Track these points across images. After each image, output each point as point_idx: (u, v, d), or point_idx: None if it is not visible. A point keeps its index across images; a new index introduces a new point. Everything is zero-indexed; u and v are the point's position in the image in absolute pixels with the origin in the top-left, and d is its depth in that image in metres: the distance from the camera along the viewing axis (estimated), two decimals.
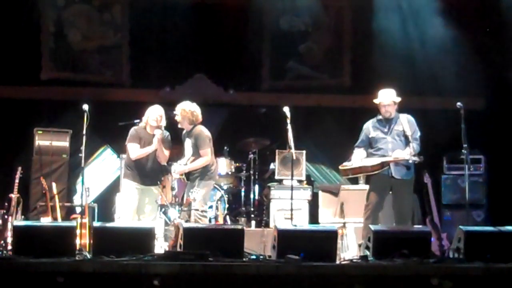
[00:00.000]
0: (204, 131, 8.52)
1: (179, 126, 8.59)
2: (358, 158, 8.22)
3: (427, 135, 10.10)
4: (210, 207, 9.74)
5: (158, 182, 8.56)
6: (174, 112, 8.56)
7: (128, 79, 11.47)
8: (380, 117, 8.32)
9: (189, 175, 8.47)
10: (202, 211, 8.32)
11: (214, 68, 11.43)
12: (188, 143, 8.53)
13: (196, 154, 8.44)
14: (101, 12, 11.41)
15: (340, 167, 8.37)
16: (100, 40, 11.42)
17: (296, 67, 11.72)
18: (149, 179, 8.44)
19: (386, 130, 8.26)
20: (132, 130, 8.47)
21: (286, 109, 8.18)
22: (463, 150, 8.20)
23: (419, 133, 8.33)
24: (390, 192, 8.31)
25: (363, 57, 11.42)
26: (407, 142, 8.19)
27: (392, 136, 8.23)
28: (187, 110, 8.48)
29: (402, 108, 8.47)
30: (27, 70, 11.03)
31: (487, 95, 11.00)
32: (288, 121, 8.14)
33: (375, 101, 8.33)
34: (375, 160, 8.15)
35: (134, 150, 8.38)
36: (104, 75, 11.48)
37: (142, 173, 8.40)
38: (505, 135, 10.57)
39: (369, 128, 8.34)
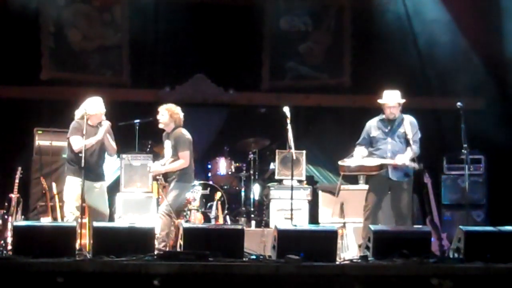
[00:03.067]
0: (185, 134, 8.49)
1: (162, 126, 8.50)
2: (359, 155, 8.22)
3: (427, 135, 10.09)
4: (210, 207, 9.76)
5: (104, 178, 8.43)
6: (158, 116, 8.48)
7: (128, 79, 11.47)
8: (383, 117, 8.33)
9: (166, 177, 8.41)
10: (166, 209, 8.30)
11: (214, 68, 11.43)
12: (168, 144, 8.49)
13: (175, 155, 8.40)
14: (101, 12, 11.41)
15: (339, 162, 8.36)
16: (100, 40, 11.42)
17: (296, 67, 11.72)
18: (93, 174, 8.25)
19: (387, 130, 8.28)
20: (75, 123, 8.24)
21: (286, 109, 8.18)
22: (463, 150, 8.20)
23: (419, 135, 8.34)
24: (389, 192, 8.31)
25: (363, 57, 11.43)
26: (407, 144, 8.20)
27: (393, 138, 8.25)
28: (176, 112, 8.47)
29: (402, 109, 8.46)
30: (27, 70, 11.03)
31: (487, 95, 11.00)
32: (288, 121, 8.14)
33: (380, 101, 8.33)
34: (374, 161, 8.15)
35: (77, 142, 8.13)
36: (104, 75, 11.48)
37: (86, 168, 8.10)
38: (505, 135, 10.57)
39: (371, 127, 8.36)
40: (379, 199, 8.22)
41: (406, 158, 8.12)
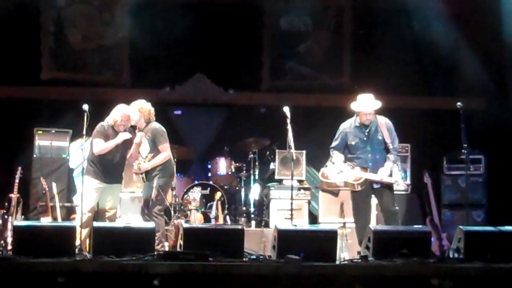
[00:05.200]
0: (161, 127, 8.43)
1: (133, 123, 8.41)
2: (339, 161, 8.07)
3: (427, 135, 10.13)
4: (210, 207, 9.76)
5: (121, 181, 8.55)
6: (129, 112, 8.41)
7: (128, 79, 11.48)
8: (358, 122, 8.14)
9: (147, 174, 8.34)
10: (159, 210, 8.28)
11: (214, 68, 11.44)
12: (143, 141, 8.39)
13: (155, 150, 8.31)
14: (101, 12, 11.41)
15: (322, 179, 8.28)
16: (100, 40, 11.42)
17: (296, 67, 11.72)
18: (112, 177, 8.33)
19: (365, 138, 8.11)
20: (100, 126, 8.31)
21: (286, 109, 8.16)
22: (463, 150, 8.18)
23: (397, 141, 8.20)
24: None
25: (363, 57, 11.42)
26: (387, 150, 8.09)
27: (372, 145, 8.09)
28: (146, 108, 8.39)
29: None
30: (27, 70, 11.04)
31: (487, 95, 11.00)
32: (288, 121, 8.13)
33: (355, 108, 8.14)
34: (357, 174, 7.99)
35: (98, 145, 8.22)
36: (104, 75, 11.49)
37: (105, 170, 8.25)
38: (505, 135, 10.57)
39: (348, 134, 8.16)
40: (367, 207, 8.18)
41: (388, 172, 7.96)
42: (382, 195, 8.08)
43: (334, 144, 8.24)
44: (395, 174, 8.15)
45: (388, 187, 8.07)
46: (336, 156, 8.14)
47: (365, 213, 8.15)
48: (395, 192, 8.28)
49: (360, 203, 8.13)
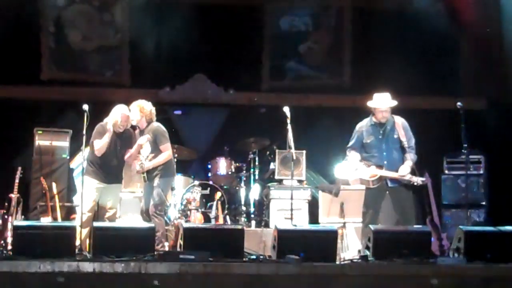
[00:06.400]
0: (162, 126, 8.42)
1: (134, 123, 8.39)
2: (355, 160, 8.08)
3: (427, 135, 10.08)
4: (210, 207, 9.76)
5: (121, 181, 8.56)
6: (128, 112, 8.36)
7: (128, 79, 11.48)
8: (374, 121, 8.17)
9: (148, 174, 8.31)
10: (159, 210, 8.27)
11: (214, 68, 11.44)
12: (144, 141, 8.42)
13: (156, 150, 8.28)
14: (101, 12, 11.42)
15: (336, 176, 8.27)
16: (100, 40, 11.43)
17: (296, 67, 11.73)
18: (112, 177, 8.33)
19: (381, 136, 8.11)
20: (99, 127, 8.31)
21: (286, 109, 8.17)
22: (463, 150, 8.17)
23: (413, 140, 8.20)
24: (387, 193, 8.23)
25: (363, 57, 11.42)
26: (402, 150, 8.10)
27: (387, 144, 8.10)
28: (147, 109, 8.36)
29: (401, 108, 8.44)
30: (27, 70, 11.04)
31: (487, 95, 10.99)
32: (288, 121, 8.13)
33: (371, 105, 8.16)
34: (372, 171, 7.98)
35: (98, 144, 8.22)
36: (104, 75, 11.49)
37: (105, 170, 8.25)
38: (505, 135, 10.57)
39: (363, 132, 8.18)
40: (378, 207, 8.12)
41: (408, 170, 7.97)
42: (399, 198, 8.04)
43: (350, 143, 8.25)
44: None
45: (406, 186, 8.05)
46: (352, 155, 8.14)
47: (374, 212, 8.10)
48: None
49: (371, 200, 8.11)
